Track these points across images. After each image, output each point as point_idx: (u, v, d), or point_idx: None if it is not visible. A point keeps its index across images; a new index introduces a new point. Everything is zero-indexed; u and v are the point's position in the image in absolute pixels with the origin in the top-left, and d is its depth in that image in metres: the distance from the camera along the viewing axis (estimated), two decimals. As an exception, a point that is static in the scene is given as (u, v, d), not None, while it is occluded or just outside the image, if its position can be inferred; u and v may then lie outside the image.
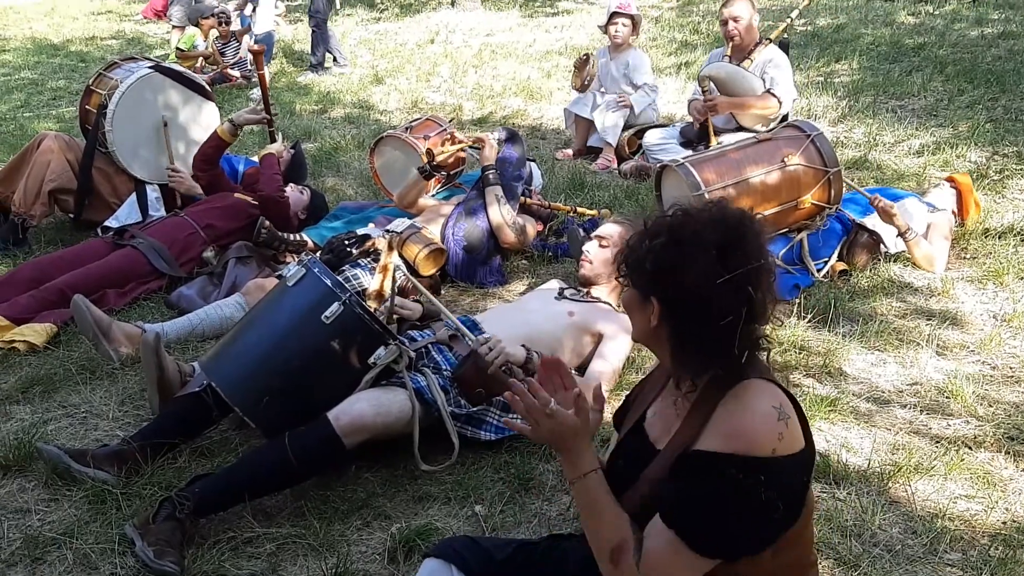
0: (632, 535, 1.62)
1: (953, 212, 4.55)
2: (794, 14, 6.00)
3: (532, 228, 4.59)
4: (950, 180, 4.69)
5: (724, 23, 5.46)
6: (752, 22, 5.43)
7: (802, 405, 1.67)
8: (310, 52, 9.88)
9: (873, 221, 4.33)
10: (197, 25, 10.27)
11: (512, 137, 4.56)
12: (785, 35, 5.75)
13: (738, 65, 5.39)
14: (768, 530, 1.57)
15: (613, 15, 6.42)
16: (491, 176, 4.36)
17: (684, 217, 1.67)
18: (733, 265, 1.58)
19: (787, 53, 5.60)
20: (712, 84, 5.36)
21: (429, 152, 4.52)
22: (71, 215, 4.98)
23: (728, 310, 1.58)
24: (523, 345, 3.02)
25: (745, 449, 1.52)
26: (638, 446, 1.77)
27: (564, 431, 1.66)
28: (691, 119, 5.78)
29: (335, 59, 9.91)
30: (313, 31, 9.66)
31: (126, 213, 4.89)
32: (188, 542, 2.46)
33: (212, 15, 10.01)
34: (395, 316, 3.35)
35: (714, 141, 5.31)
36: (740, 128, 5.46)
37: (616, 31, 6.40)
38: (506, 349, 2.91)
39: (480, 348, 2.88)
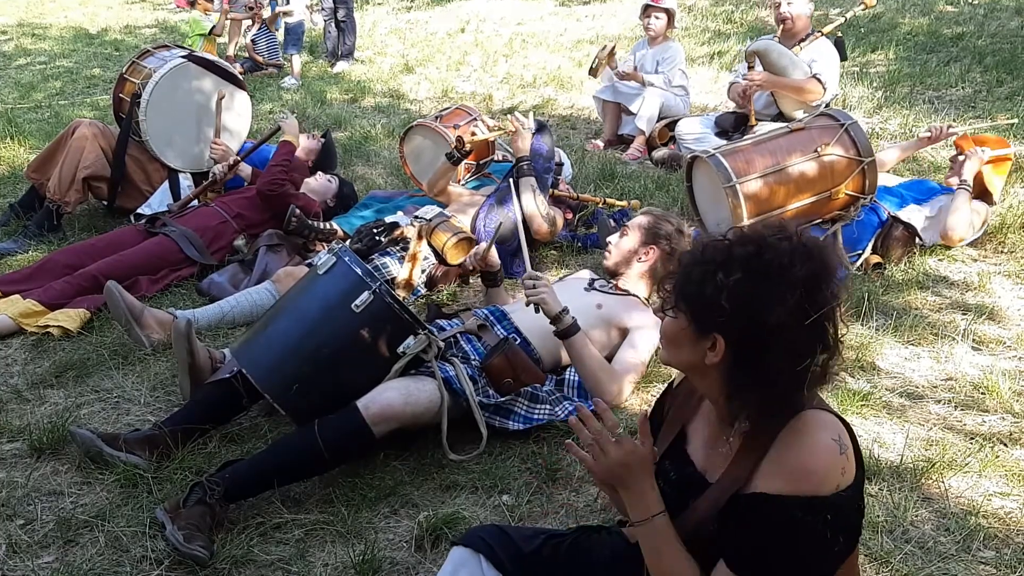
0: None
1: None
2: (849, 14, 5.81)
3: (561, 218, 4.57)
4: (957, 146, 4.51)
5: (777, 6, 5.37)
6: (806, 9, 5.34)
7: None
8: (340, 43, 9.76)
9: (908, 214, 4.26)
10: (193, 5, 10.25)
11: (541, 128, 4.53)
12: (839, 32, 5.64)
13: None
14: (830, 565, 1.53)
15: (647, 8, 6.39)
16: (525, 167, 4.34)
17: (760, 248, 1.49)
18: (820, 303, 1.45)
19: (843, 51, 5.49)
20: (758, 60, 5.28)
21: (459, 139, 4.51)
22: (105, 202, 5.03)
23: (809, 351, 1.47)
24: (565, 308, 3.05)
25: (811, 490, 1.45)
26: (684, 472, 1.68)
27: (630, 461, 1.55)
28: (727, 108, 5.72)
29: (349, 50, 9.85)
30: (343, 22, 9.60)
31: (159, 201, 4.94)
32: (217, 527, 2.48)
33: None
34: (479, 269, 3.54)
35: (753, 120, 5.25)
36: (779, 115, 5.39)
37: (650, 23, 6.39)
38: (546, 298, 2.98)
39: (526, 281, 3.01)
